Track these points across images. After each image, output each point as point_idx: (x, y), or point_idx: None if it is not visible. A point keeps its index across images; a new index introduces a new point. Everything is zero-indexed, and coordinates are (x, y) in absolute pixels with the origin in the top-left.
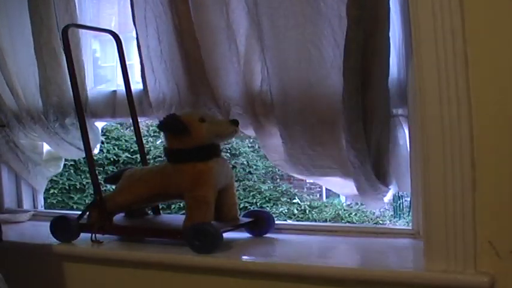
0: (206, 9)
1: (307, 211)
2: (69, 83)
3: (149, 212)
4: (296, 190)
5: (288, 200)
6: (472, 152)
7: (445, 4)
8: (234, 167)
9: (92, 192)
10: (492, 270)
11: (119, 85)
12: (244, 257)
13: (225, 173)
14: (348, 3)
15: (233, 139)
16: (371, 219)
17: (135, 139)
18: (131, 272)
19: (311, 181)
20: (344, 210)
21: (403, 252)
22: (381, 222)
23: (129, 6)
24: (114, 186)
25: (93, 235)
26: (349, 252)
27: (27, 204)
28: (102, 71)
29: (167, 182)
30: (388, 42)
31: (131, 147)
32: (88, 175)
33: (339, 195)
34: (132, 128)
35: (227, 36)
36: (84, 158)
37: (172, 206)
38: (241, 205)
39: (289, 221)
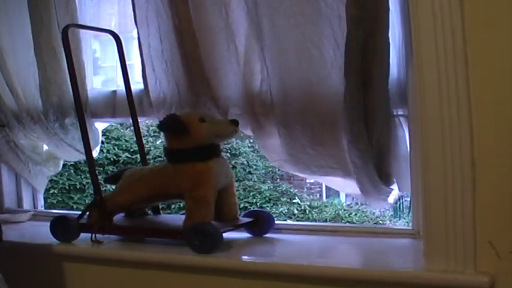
0: (205, 10)
1: (307, 211)
2: (69, 83)
3: (149, 212)
4: (296, 190)
5: (288, 200)
6: (472, 152)
7: (445, 4)
8: (234, 167)
9: (92, 192)
10: (492, 270)
11: (119, 85)
12: (244, 257)
13: (225, 173)
14: (348, 3)
15: (233, 139)
16: (371, 219)
17: (135, 139)
18: (131, 272)
19: (311, 181)
20: (344, 210)
21: (403, 252)
22: (380, 222)
23: (129, 6)
24: (114, 186)
25: (93, 235)
26: (349, 252)
27: (27, 204)
28: (102, 71)
29: (167, 182)
30: (388, 42)
31: (131, 147)
32: (88, 175)
33: (339, 195)
34: (132, 128)
35: (226, 36)
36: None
37: (172, 206)
38: (241, 205)
39: (289, 221)
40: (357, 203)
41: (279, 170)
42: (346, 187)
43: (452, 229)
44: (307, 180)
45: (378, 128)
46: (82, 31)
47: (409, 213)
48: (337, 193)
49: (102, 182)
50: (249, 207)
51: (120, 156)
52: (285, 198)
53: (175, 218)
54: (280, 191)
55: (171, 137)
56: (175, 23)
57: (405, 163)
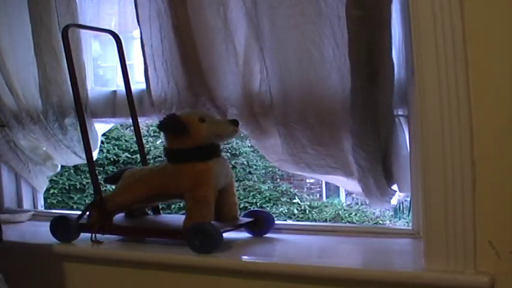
0: (203, 10)
1: (307, 211)
2: (69, 83)
3: (149, 212)
4: (296, 190)
5: (288, 200)
6: (472, 152)
7: (445, 4)
8: (234, 167)
9: (92, 192)
10: (492, 270)
11: (119, 85)
12: (244, 257)
13: (225, 173)
14: (348, 3)
15: (233, 139)
16: (371, 219)
17: (135, 139)
18: (131, 272)
19: (311, 181)
20: (344, 210)
21: (403, 252)
22: (380, 222)
23: (129, 6)
24: (114, 186)
25: (93, 235)
26: (349, 252)
27: (27, 204)
28: (102, 71)
29: (167, 182)
30: (390, 42)
31: (131, 147)
32: (88, 175)
33: (339, 195)
34: (132, 128)
35: (224, 36)
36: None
37: (172, 206)
38: (241, 205)
39: (289, 221)
40: (357, 203)
41: (279, 170)
42: (347, 184)
43: (452, 229)
44: (307, 180)
45: (383, 129)
46: (82, 31)
47: (409, 213)
48: (337, 193)
49: (102, 182)
50: (249, 207)
51: (120, 156)
52: (285, 198)
53: (175, 218)
54: (280, 191)
55: (171, 137)
56: (174, 23)
57: (405, 163)
